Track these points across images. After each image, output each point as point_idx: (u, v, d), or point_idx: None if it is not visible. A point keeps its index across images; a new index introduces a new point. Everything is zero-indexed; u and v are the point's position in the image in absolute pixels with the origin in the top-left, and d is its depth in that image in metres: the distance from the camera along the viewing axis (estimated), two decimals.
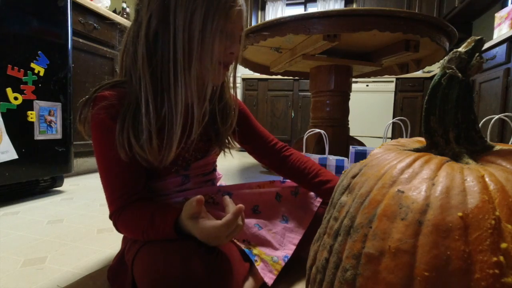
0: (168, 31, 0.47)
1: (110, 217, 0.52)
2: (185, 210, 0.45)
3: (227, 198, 0.49)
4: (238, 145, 0.69)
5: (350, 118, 1.76)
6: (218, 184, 0.71)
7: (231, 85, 0.61)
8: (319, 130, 1.10)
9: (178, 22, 0.47)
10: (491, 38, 2.26)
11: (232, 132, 0.64)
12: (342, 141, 1.68)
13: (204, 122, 0.55)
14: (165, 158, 0.51)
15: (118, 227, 0.51)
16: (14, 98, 1.09)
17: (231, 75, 0.59)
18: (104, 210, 1.10)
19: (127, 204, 0.50)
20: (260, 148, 0.71)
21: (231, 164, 2.27)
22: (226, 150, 0.66)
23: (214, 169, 0.68)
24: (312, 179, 0.68)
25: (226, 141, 0.64)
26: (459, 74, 0.31)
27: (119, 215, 0.50)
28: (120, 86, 0.52)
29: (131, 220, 0.49)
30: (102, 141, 0.50)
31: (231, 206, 0.46)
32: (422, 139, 0.38)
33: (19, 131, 1.11)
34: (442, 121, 0.33)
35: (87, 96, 0.51)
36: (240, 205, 0.43)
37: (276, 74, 2.06)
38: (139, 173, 0.52)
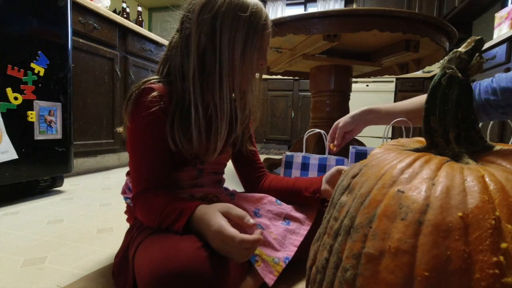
0: (215, 49, 0.55)
1: (133, 198, 0.55)
2: (226, 205, 0.48)
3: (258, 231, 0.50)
4: (253, 147, 0.74)
5: None
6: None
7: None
8: (319, 130, 1.10)
9: (223, 41, 0.54)
10: (491, 38, 2.25)
11: (249, 136, 0.72)
12: None
13: (245, 123, 0.65)
14: (211, 152, 0.58)
15: (136, 208, 0.55)
16: (14, 98, 1.09)
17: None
18: (104, 210, 1.10)
19: (151, 188, 0.54)
20: (248, 162, 0.75)
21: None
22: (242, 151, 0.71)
23: (223, 172, 0.73)
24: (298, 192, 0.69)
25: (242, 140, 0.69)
26: (459, 74, 0.31)
27: (141, 196, 0.54)
28: (164, 83, 0.58)
29: (150, 203, 0.52)
30: (146, 128, 0.55)
31: (257, 232, 0.47)
32: (422, 139, 0.38)
33: (19, 131, 1.11)
34: (442, 121, 0.33)
35: (134, 88, 0.56)
36: (261, 237, 0.45)
37: (276, 74, 2.06)
38: (168, 164, 0.58)
